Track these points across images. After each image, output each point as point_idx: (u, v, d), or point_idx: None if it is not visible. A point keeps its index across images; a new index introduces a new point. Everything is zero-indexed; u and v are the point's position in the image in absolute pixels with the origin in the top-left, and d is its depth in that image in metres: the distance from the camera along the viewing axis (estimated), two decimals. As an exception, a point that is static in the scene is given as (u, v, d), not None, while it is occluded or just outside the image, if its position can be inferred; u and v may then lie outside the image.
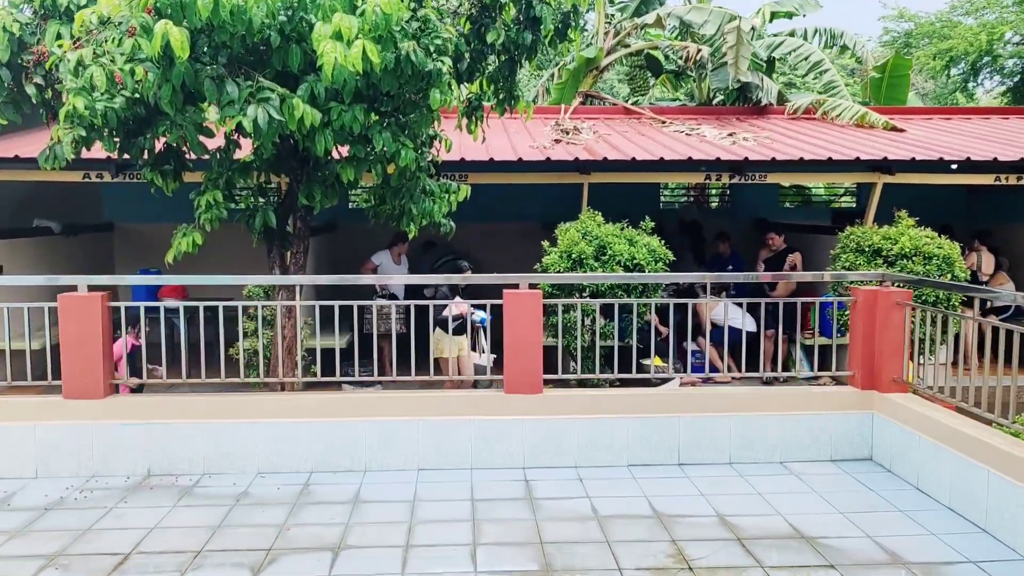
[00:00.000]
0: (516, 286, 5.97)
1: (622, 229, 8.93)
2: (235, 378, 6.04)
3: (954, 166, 9.58)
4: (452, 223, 7.29)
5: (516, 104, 6.93)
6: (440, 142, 7.07)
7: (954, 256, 8.79)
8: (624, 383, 6.49)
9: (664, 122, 12.11)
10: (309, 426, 5.78)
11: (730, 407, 5.94)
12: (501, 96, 6.90)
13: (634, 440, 5.88)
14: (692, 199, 14.96)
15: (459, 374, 9.40)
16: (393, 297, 9.71)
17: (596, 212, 9.08)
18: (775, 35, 14.06)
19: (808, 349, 10.47)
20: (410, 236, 7.05)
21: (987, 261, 10.76)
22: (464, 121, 7.01)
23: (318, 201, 6.29)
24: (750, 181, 9.48)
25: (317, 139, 5.66)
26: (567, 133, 10.83)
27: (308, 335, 8.60)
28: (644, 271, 8.55)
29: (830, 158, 9.14)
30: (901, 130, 11.42)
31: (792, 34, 13.98)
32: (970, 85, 25.89)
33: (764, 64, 13.49)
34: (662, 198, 14.22)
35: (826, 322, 9.86)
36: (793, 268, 10.05)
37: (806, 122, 12.28)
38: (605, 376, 6.28)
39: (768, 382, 8.02)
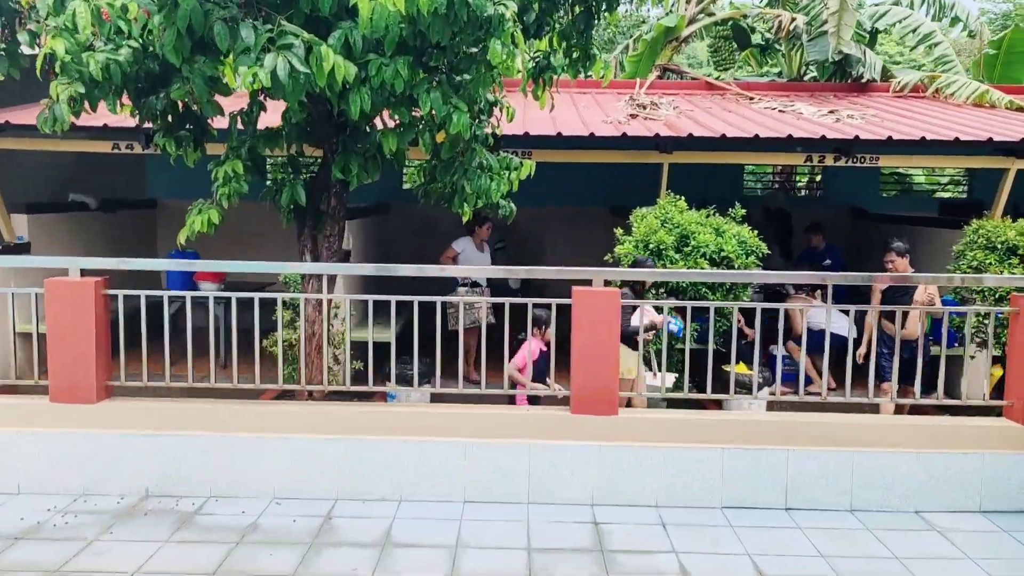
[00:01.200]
0: (588, 282, 4.89)
1: (707, 216, 7.76)
2: (244, 383, 5.12)
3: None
4: (512, 205, 6.24)
5: (592, 65, 5.80)
6: (501, 110, 6.00)
7: (1105, 258, 7.39)
8: (699, 404, 5.37)
9: (752, 98, 10.82)
10: (338, 444, 4.82)
11: (850, 440, 4.76)
12: (575, 55, 5.78)
13: (730, 476, 4.76)
14: (778, 185, 13.61)
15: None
16: (476, 285, 8.71)
17: (678, 196, 7.92)
18: (877, 3, 12.58)
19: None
20: (464, 219, 6.01)
21: None
22: (530, 85, 5.91)
23: (355, 175, 5.29)
24: (859, 164, 8.18)
25: (351, 99, 4.65)
26: (644, 108, 9.65)
27: (356, 324, 7.68)
28: (732, 265, 7.38)
29: (957, 138, 7.79)
30: (1032, 109, 9.92)
31: (897, 2, 12.48)
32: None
33: (867, 36, 12.04)
34: (744, 184, 12.91)
35: (939, 331, 8.53)
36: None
37: (916, 100, 10.84)
38: (693, 396, 5.14)
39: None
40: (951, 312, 8.21)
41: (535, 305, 5.23)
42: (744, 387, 8.32)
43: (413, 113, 5.14)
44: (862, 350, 6.60)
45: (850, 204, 11.75)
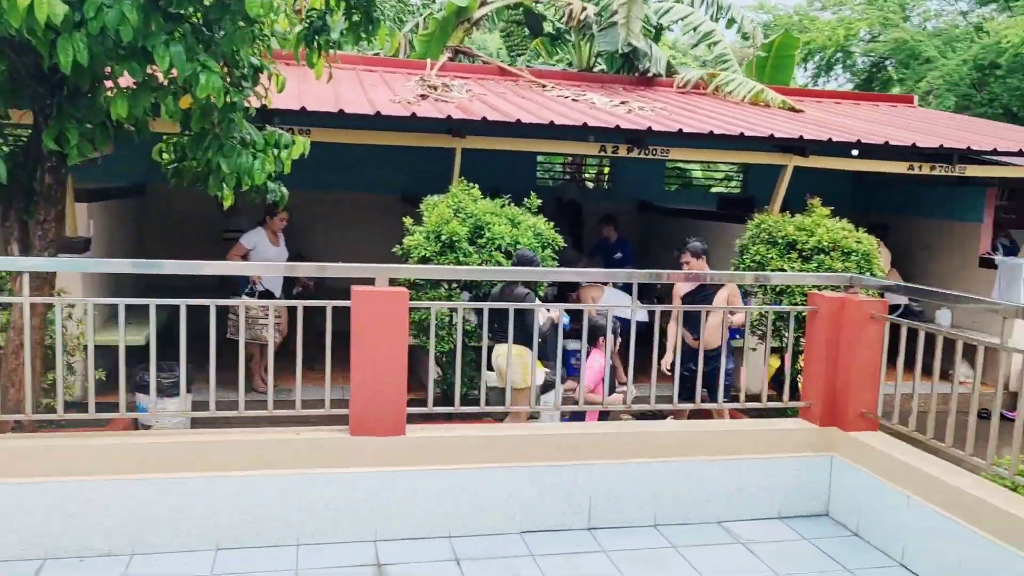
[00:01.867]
0: (371, 282, 4.19)
1: (502, 207, 7.31)
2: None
3: (854, 152, 8.60)
4: (284, 189, 5.39)
5: (375, 30, 5.07)
6: (270, 78, 5.11)
7: (873, 252, 7.78)
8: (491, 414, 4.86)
9: (545, 86, 10.55)
10: (48, 489, 3.77)
11: (653, 450, 4.43)
12: (355, 18, 5.02)
13: (531, 497, 4.27)
14: (568, 177, 13.57)
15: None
16: (268, 294, 7.63)
17: (472, 184, 7.41)
18: (660, 1, 12.80)
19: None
20: (225, 204, 5.06)
21: (885, 257, 9.95)
22: (303, 52, 5.06)
23: (73, 147, 4.22)
24: (652, 156, 8.07)
25: (61, 46, 3.62)
26: (435, 89, 9.04)
27: (102, 325, 6.44)
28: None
29: (742, 133, 7.87)
30: (799, 111, 10.41)
31: (679, 1, 12.77)
32: (820, 80, 26.06)
33: (652, 31, 12.21)
34: (537, 175, 12.71)
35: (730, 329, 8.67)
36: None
37: (698, 96, 11.08)
38: (484, 409, 4.59)
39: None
40: (748, 309, 8.29)
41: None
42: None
43: (151, 71, 4.17)
44: (668, 358, 6.38)
45: (637, 197, 11.87)
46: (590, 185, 13.52)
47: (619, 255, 9.64)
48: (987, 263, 9.84)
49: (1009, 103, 19.49)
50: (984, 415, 9.45)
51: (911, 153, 8.66)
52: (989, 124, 12.03)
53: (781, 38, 13.18)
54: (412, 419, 4.23)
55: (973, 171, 8.89)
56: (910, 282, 9.89)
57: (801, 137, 8.00)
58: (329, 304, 4.14)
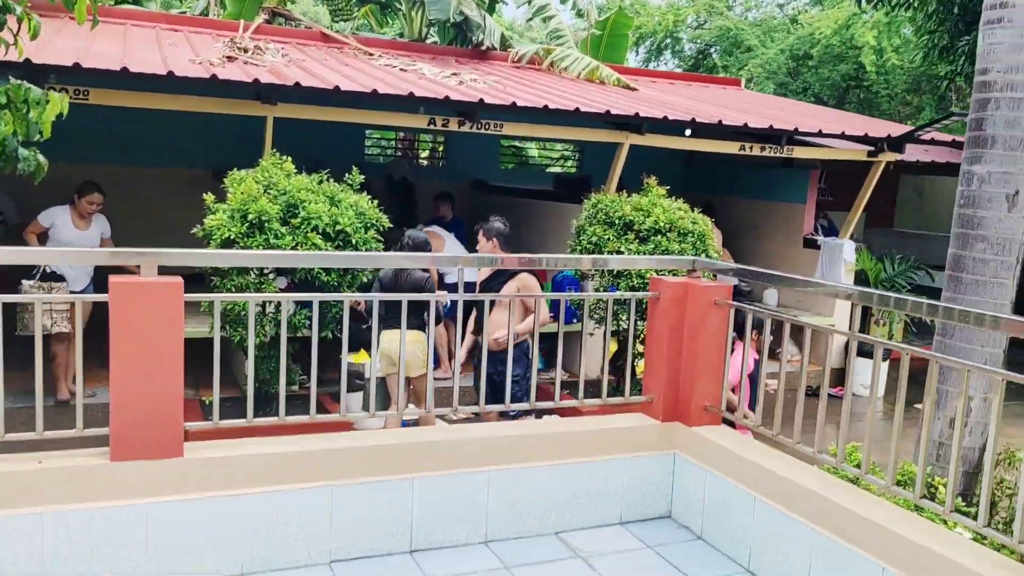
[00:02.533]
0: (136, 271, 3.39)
1: (320, 183, 6.56)
2: None
3: (688, 132, 8.48)
4: (40, 157, 4.42)
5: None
6: (20, 22, 4.14)
7: (708, 233, 7.66)
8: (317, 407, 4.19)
9: (372, 55, 9.80)
10: None
11: (484, 457, 3.92)
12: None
13: (341, 521, 3.64)
14: (400, 154, 12.87)
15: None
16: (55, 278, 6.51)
17: (285, 158, 6.61)
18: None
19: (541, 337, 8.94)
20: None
21: (717, 238, 9.99)
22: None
23: None
24: (484, 131, 7.55)
25: None
26: (245, 52, 8.09)
27: None
28: (350, 241, 6.29)
29: (577, 108, 7.51)
30: (634, 89, 10.25)
31: (514, -27, 12.34)
32: (651, 65, 26.66)
33: (486, 2, 11.70)
34: (367, 151, 11.94)
35: (567, 310, 8.36)
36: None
37: (534, 72, 10.69)
38: (296, 421, 3.88)
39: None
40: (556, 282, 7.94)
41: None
42: (359, 377, 7.31)
43: None
44: (464, 348, 5.93)
45: (471, 176, 11.38)
46: (425, 163, 12.90)
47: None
48: (810, 244, 10.10)
49: (820, 92, 20.59)
50: (810, 392, 9.84)
51: (743, 134, 8.65)
52: (812, 107, 12.45)
53: (615, 16, 13.05)
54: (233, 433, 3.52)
55: (800, 152, 9.01)
56: (739, 262, 10.01)
57: (637, 114, 7.74)
58: (78, 299, 3.31)
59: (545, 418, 5.48)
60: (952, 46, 10.52)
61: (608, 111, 7.60)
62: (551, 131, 7.91)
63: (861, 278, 10.47)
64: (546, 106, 7.35)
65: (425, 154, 13.22)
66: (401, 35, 13.13)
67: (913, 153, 9.96)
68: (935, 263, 11.14)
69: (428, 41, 12.19)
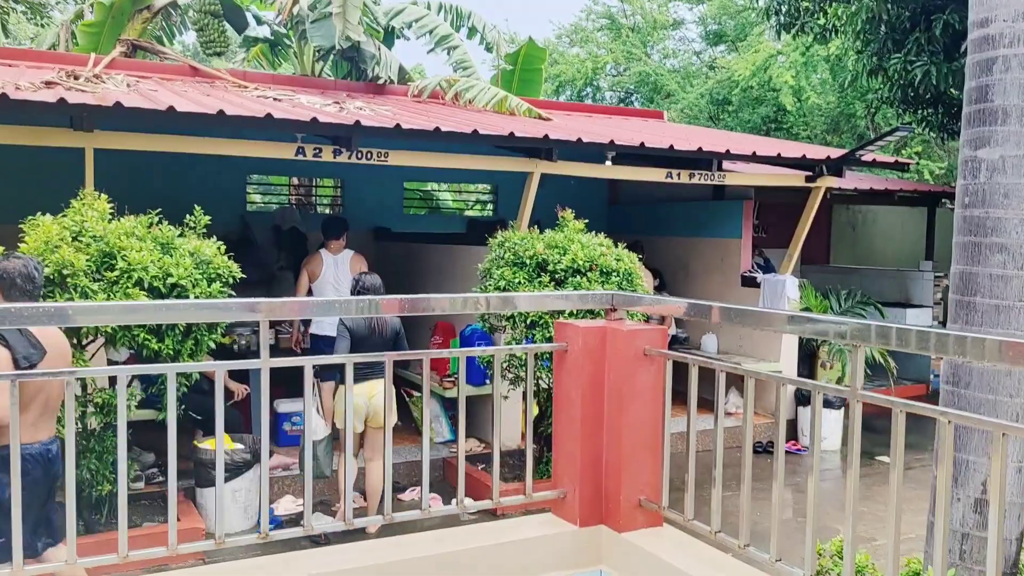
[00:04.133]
0: None
1: (151, 226, 5.23)
2: None
3: (608, 160, 7.40)
4: None
5: None
6: None
7: (635, 271, 6.57)
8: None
9: (247, 87, 8.56)
10: None
11: None
12: None
13: None
14: (293, 203, 11.55)
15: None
16: None
17: (97, 194, 5.27)
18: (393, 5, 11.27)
19: (448, 403, 7.64)
20: None
21: (648, 280, 8.91)
22: None
23: None
24: (364, 160, 6.33)
25: None
26: (77, 79, 6.75)
27: None
28: (185, 297, 4.96)
29: (475, 131, 6.38)
30: (547, 119, 9.21)
31: (415, 3, 11.32)
32: (572, 114, 26.14)
33: (381, 32, 10.60)
34: (251, 199, 10.61)
35: (476, 369, 7.10)
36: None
37: (436, 105, 9.59)
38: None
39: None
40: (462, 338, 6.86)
41: None
42: (228, 469, 5.95)
43: None
44: None
45: (373, 224, 10.12)
46: (324, 211, 11.60)
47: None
48: (749, 282, 9.11)
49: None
50: (760, 449, 8.74)
51: (669, 159, 7.65)
52: (741, 135, 11.64)
53: (526, 48, 12.10)
54: None
55: (733, 180, 8.04)
56: (674, 306, 8.90)
57: (546, 136, 6.65)
58: None
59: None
60: (880, 66, 9.85)
61: (512, 133, 6.48)
62: (445, 159, 6.76)
63: (807, 317, 9.48)
64: (437, 128, 6.20)
65: (327, 201, 11.94)
66: (293, 73, 11.95)
67: (849, 181, 9.14)
68: (879, 299, 10.31)
69: (320, 75, 11.02)
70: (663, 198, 10.19)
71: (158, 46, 9.37)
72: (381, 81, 10.08)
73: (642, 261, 7.74)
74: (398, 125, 6.07)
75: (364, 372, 5.64)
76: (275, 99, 7.72)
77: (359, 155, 6.25)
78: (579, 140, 6.79)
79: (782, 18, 10.62)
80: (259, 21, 11.99)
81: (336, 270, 7.28)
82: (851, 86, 13.05)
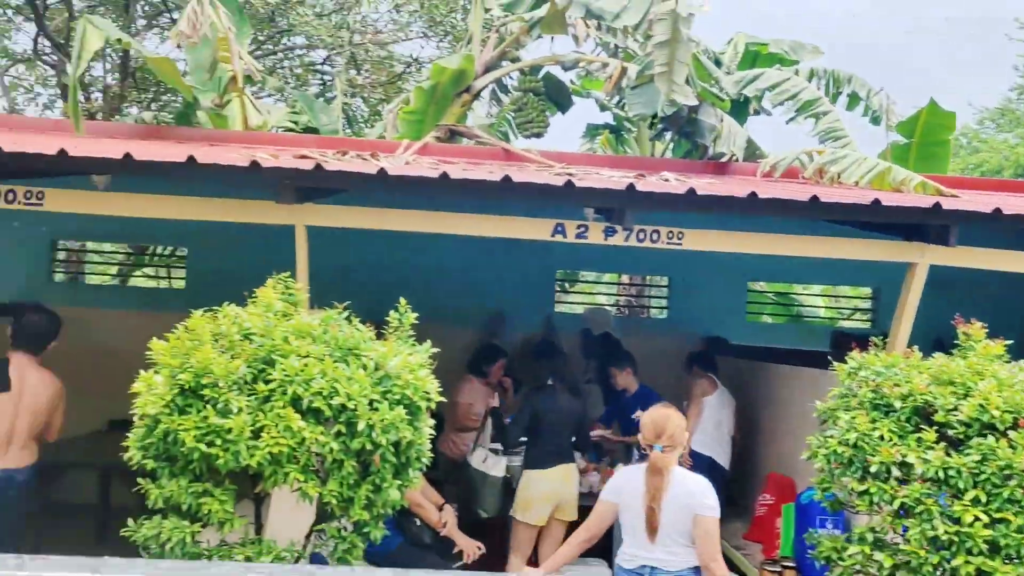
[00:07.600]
0: None
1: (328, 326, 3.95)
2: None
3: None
4: None
5: None
6: None
7: None
8: None
9: (552, 166, 7.29)
10: None
11: None
12: None
13: None
14: (625, 304, 10.01)
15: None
16: None
17: (288, 277, 4.13)
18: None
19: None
20: None
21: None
22: None
23: None
24: (649, 244, 4.50)
25: None
26: (344, 155, 5.99)
27: None
28: (356, 424, 3.53)
29: (815, 198, 4.20)
30: (954, 195, 6.51)
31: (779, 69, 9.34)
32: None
33: (727, 102, 8.75)
34: (555, 299, 9.28)
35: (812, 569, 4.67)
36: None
37: (790, 183, 7.42)
38: None
39: None
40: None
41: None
42: None
43: None
44: None
45: (703, 332, 8.08)
46: (644, 314, 9.87)
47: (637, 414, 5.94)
48: None
49: None
50: None
51: None
52: None
53: (926, 113, 9.30)
54: None
55: None
56: None
57: (937, 206, 4.20)
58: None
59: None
60: None
61: (876, 201, 4.16)
62: (764, 243, 4.62)
63: None
64: (754, 193, 4.15)
65: (663, 304, 10.20)
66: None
67: None
68: None
69: (658, 155, 9.48)
70: None
71: (474, 129, 8.61)
72: (725, 158, 8.19)
73: None
74: (692, 190, 4.16)
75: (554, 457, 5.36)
76: (569, 174, 6.28)
77: (641, 236, 4.44)
78: (996, 212, 4.22)
79: None
80: (603, 107, 10.96)
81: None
82: None
